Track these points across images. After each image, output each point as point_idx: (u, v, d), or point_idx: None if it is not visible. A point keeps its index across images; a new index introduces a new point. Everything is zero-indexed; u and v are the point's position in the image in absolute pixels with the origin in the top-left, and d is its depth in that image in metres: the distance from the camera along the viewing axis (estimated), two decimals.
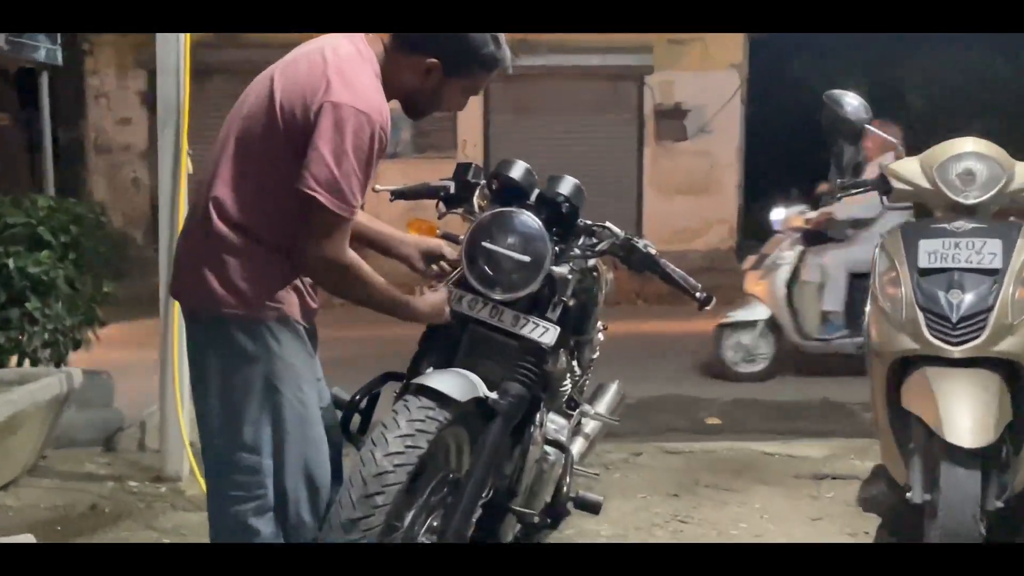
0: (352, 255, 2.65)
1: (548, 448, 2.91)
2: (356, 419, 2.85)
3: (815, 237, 6.39)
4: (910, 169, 3.25)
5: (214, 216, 2.58)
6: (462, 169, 3.10)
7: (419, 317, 2.81)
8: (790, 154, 13.84)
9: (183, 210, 4.19)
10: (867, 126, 3.48)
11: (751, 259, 6.81)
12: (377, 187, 2.97)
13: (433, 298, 2.88)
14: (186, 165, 4.21)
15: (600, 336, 3.41)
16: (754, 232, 13.19)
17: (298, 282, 2.69)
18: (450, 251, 3.15)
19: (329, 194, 2.49)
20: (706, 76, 11.98)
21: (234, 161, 2.61)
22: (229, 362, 2.61)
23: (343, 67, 2.57)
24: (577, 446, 3.12)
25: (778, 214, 6.73)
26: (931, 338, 2.95)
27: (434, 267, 3.10)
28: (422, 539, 2.45)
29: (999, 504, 2.85)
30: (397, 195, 3.21)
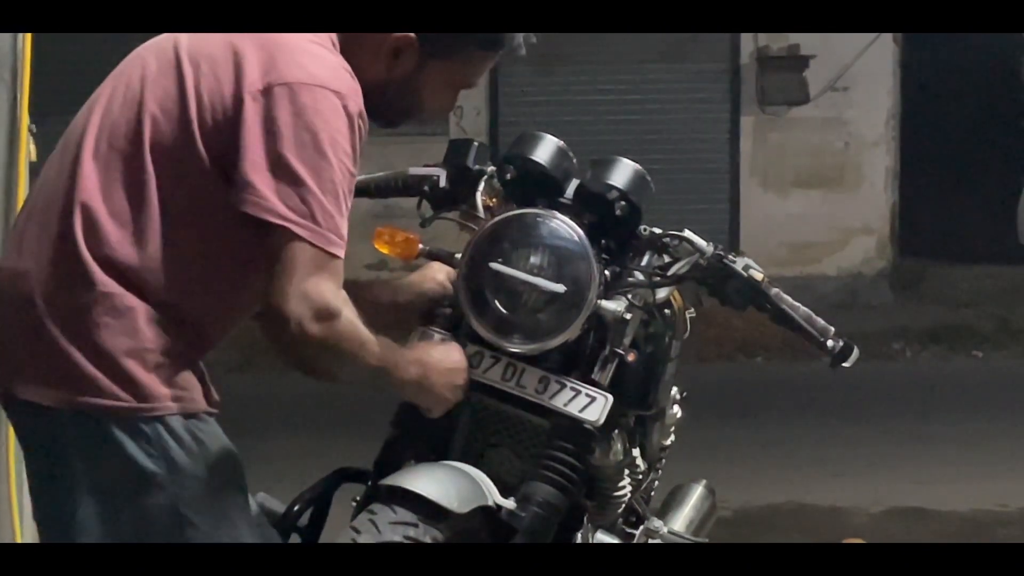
0: (344, 295, 2.46)
1: None
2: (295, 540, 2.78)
3: None
4: None
5: (85, 255, 2.44)
6: (459, 150, 3.02)
7: (432, 397, 2.64)
8: (973, 123, 13.04)
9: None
10: None
11: None
12: None
13: (452, 358, 2.69)
14: (27, 148, 3.98)
15: (677, 411, 3.24)
16: (918, 247, 12.41)
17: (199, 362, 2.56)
18: (445, 279, 2.95)
19: (310, 223, 2.38)
20: None
21: (107, 174, 2.48)
22: (108, 479, 2.46)
23: (284, 37, 2.49)
24: None
25: None
26: None
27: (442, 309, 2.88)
28: None
29: None
30: (357, 191, 2.77)
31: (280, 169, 2.39)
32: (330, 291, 2.43)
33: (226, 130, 2.44)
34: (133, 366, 2.46)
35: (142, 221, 2.47)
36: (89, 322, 2.45)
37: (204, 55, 2.49)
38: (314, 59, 2.48)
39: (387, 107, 2.67)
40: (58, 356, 2.46)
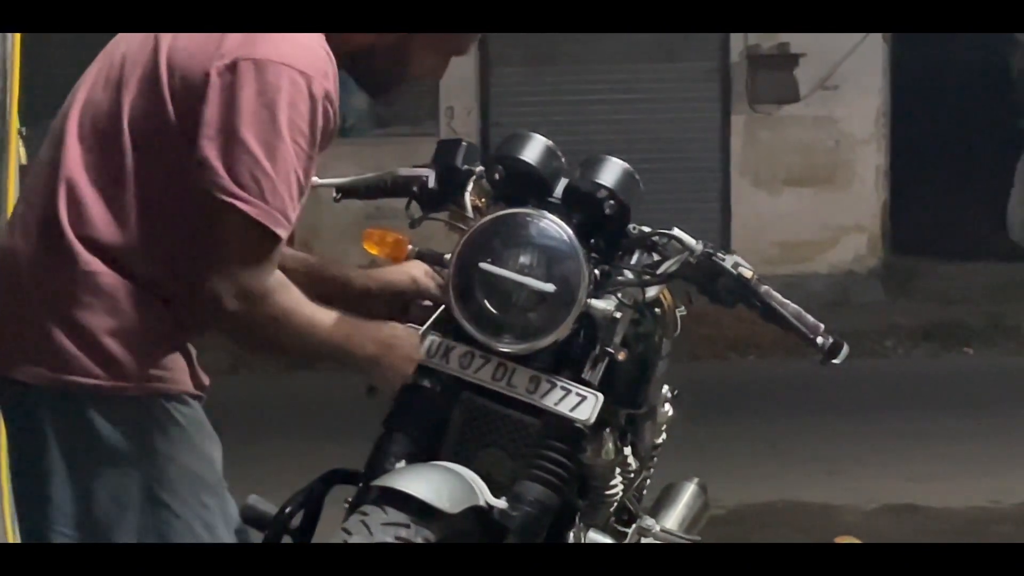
0: (280, 279, 2.49)
1: None
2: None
3: None
4: None
5: (68, 234, 2.45)
6: (447, 150, 3.02)
7: (384, 377, 2.66)
8: (963, 121, 13.03)
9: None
10: None
11: None
12: (317, 180, 2.73)
13: (410, 344, 2.69)
14: (16, 151, 4.04)
15: (668, 409, 3.24)
16: (909, 244, 12.34)
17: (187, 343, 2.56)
18: (427, 280, 2.97)
19: (258, 200, 2.38)
20: None
21: (90, 153, 2.50)
22: (84, 457, 2.47)
23: None
24: None
25: None
26: None
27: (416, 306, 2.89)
28: None
29: None
30: (346, 192, 3.07)
31: (235, 146, 2.39)
32: (260, 273, 2.43)
33: (196, 105, 2.44)
34: (113, 345, 2.46)
35: (124, 200, 2.48)
36: (71, 301, 2.46)
37: (184, 33, 2.49)
38: (288, 37, 2.46)
39: (376, 72, 2.67)
40: (41, 334, 2.46)
